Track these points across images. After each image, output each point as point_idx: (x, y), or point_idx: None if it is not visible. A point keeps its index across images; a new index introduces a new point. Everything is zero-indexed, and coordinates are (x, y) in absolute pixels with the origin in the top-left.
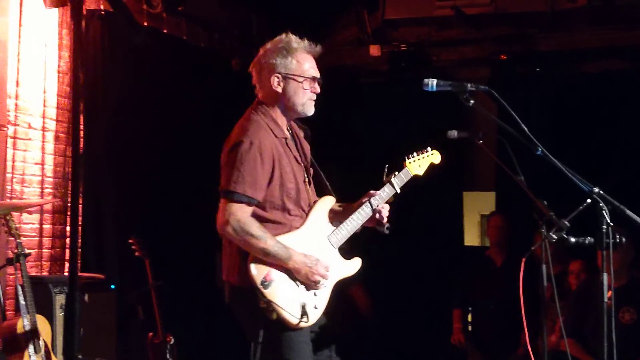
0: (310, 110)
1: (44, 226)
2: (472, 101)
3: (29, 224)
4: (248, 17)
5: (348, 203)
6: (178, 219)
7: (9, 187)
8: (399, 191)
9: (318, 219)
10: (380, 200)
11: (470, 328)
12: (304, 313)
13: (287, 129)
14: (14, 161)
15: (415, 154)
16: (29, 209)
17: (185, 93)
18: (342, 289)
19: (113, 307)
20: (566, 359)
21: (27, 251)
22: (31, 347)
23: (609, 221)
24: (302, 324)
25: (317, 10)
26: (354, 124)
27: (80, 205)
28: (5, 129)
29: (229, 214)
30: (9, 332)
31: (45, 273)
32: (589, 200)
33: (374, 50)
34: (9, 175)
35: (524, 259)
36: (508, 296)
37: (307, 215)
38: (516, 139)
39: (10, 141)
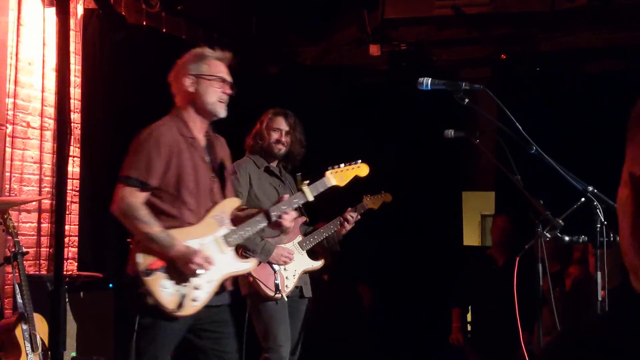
0: (220, 111)
1: (42, 225)
2: (466, 100)
3: (27, 222)
4: (247, 16)
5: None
6: None
7: (7, 186)
8: (311, 199)
9: (217, 217)
10: (286, 207)
11: (469, 327)
12: (181, 304)
13: (204, 135)
14: (12, 160)
15: (341, 164)
16: (27, 208)
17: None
18: (350, 287)
19: (111, 306)
20: None
21: (24, 250)
22: (28, 346)
23: (602, 220)
24: (177, 313)
25: (316, 9)
26: (354, 124)
27: (78, 205)
28: (3, 127)
29: (120, 197)
30: (6, 330)
31: (43, 272)
32: (583, 199)
33: (374, 49)
34: (7, 174)
35: (518, 258)
36: (509, 296)
37: (206, 212)
38: (512, 138)
39: (8, 140)
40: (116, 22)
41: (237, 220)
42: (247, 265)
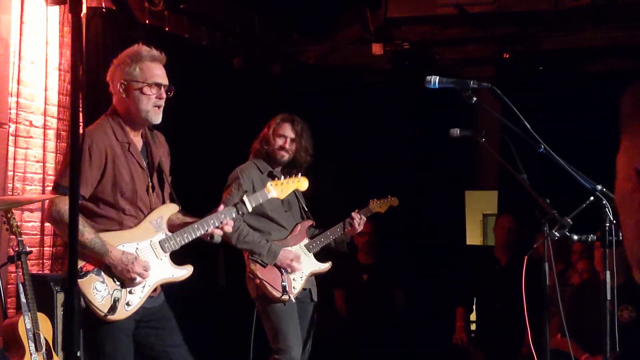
0: (155, 118)
1: (45, 224)
2: (474, 98)
3: (30, 222)
4: (250, 15)
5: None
6: None
7: (10, 185)
8: (249, 210)
9: (154, 222)
10: (225, 217)
11: (473, 327)
12: (113, 308)
13: (141, 136)
14: (15, 159)
15: (282, 177)
16: (30, 207)
17: (186, 91)
18: (325, 292)
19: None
20: (566, 358)
21: (28, 249)
22: (32, 345)
23: (611, 218)
24: (109, 317)
25: (319, 8)
26: (356, 123)
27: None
28: (6, 126)
29: (52, 205)
30: (10, 330)
31: (46, 271)
32: (591, 198)
33: (377, 49)
34: (10, 173)
35: (526, 257)
36: (512, 295)
37: (144, 217)
38: (519, 137)
39: (11, 139)
40: (128, 20)
41: (172, 227)
42: (182, 272)
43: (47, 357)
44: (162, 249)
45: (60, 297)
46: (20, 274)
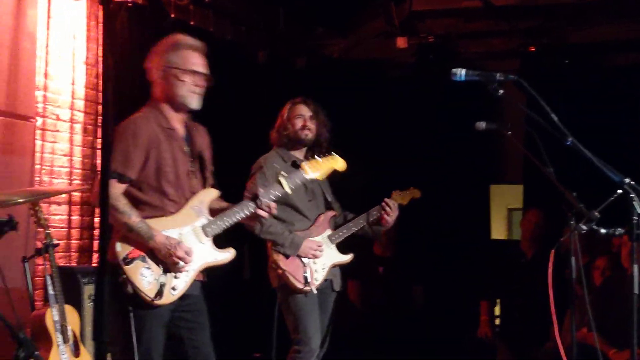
0: (191, 102)
1: (72, 217)
2: (501, 91)
3: (57, 215)
4: (275, 9)
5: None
6: None
7: (37, 179)
8: (289, 192)
9: (195, 207)
10: (266, 198)
11: (497, 321)
12: (159, 293)
13: (183, 125)
14: (42, 153)
15: (316, 157)
16: (58, 200)
17: (211, 85)
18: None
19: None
20: (592, 352)
21: (55, 242)
22: (60, 337)
23: (639, 212)
24: (156, 302)
25: (343, 2)
26: (381, 117)
27: None
28: (33, 120)
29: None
30: (38, 322)
31: (73, 264)
32: (619, 191)
33: (401, 42)
34: (37, 167)
35: (552, 251)
36: (537, 289)
37: (185, 203)
38: (545, 131)
39: (38, 133)
40: (158, 13)
41: (213, 211)
42: (225, 256)
43: (75, 348)
44: (205, 233)
45: (87, 289)
46: (48, 266)
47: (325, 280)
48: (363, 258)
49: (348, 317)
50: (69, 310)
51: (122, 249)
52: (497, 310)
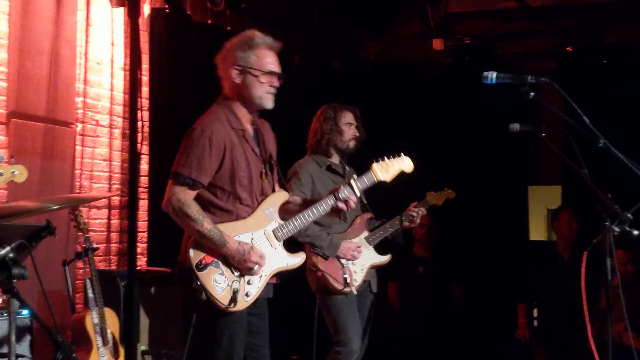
0: (267, 103)
1: (112, 221)
2: (532, 93)
3: (97, 219)
4: (310, 12)
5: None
6: None
7: (77, 183)
8: (358, 194)
9: (267, 211)
10: (346, 195)
11: (535, 323)
12: (233, 299)
13: (250, 123)
14: (82, 158)
15: (385, 158)
16: (97, 205)
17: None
18: (379, 284)
19: (180, 301)
20: (628, 351)
21: (95, 245)
22: (99, 340)
23: None
24: (230, 309)
25: (379, 4)
26: (418, 119)
27: (147, 202)
28: (74, 126)
29: (172, 194)
30: (78, 324)
31: (113, 267)
32: None
33: (437, 44)
34: (77, 172)
35: (585, 252)
36: (574, 290)
37: (257, 206)
38: (579, 132)
39: (79, 138)
40: (183, 22)
41: (287, 211)
42: (296, 260)
43: (114, 351)
44: (276, 238)
45: None
46: (88, 269)
47: (364, 281)
48: (403, 259)
49: (385, 319)
50: (109, 313)
51: (194, 254)
52: (535, 312)
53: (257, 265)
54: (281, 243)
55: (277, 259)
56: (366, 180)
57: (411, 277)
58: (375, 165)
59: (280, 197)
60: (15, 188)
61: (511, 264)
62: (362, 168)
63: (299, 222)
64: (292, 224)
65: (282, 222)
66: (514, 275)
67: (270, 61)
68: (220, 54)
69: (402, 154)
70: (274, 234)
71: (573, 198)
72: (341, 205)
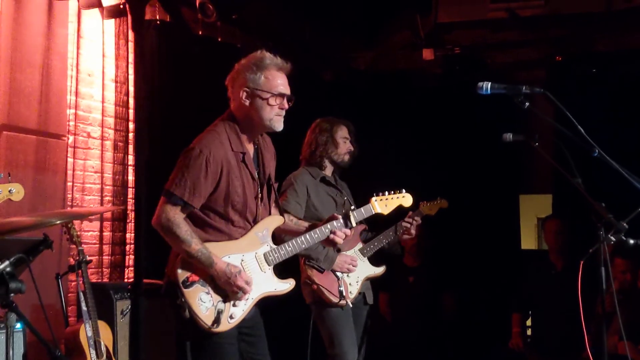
0: (277, 126)
1: (104, 233)
2: (527, 104)
3: (89, 231)
4: (301, 23)
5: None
6: None
7: (69, 196)
8: (354, 225)
9: (260, 233)
10: (333, 227)
11: (529, 332)
12: (217, 320)
13: (254, 143)
14: (74, 170)
15: (386, 192)
16: (89, 217)
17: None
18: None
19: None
20: None
21: (88, 258)
22: (93, 352)
23: None
24: (213, 329)
25: (369, 14)
26: (409, 129)
27: (134, 213)
28: (65, 138)
29: (162, 212)
30: (71, 337)
31: (105, 280)
32: None
33: (427, 53)
34: (69, 184)
35: (582, 262)
36: (569, 300)
37: (250, 228)
38: (573, 141)
39: (70, 150)
40: (181, 33)
41: (278, 239)
42: (285, 286)
43: None
44: (267, 262)
45: (120, 305)
46: (81, 282)
47: (359, 293)
48: (393, 269)
49: (377, 330)
50: (102, 325)
51: (182, 271)
52: (528, 322)
53: (240, 292)
54: (271, 267)
55: (266, 283)
56: (364, 213)
57: (402, 287)
58: (374, 200)
59: (274, 221)
60: (8, 200)
61: (502, 273)
62: (353, 182)
63: (292, 248)
64: (285, 249)
65: (274, 246)
66: (506, 284)
67: (280, 83)
68: (230, 75)
69: (403, 190)
70: (264, 258)
71: (564, 207)
72: (338, 239)
